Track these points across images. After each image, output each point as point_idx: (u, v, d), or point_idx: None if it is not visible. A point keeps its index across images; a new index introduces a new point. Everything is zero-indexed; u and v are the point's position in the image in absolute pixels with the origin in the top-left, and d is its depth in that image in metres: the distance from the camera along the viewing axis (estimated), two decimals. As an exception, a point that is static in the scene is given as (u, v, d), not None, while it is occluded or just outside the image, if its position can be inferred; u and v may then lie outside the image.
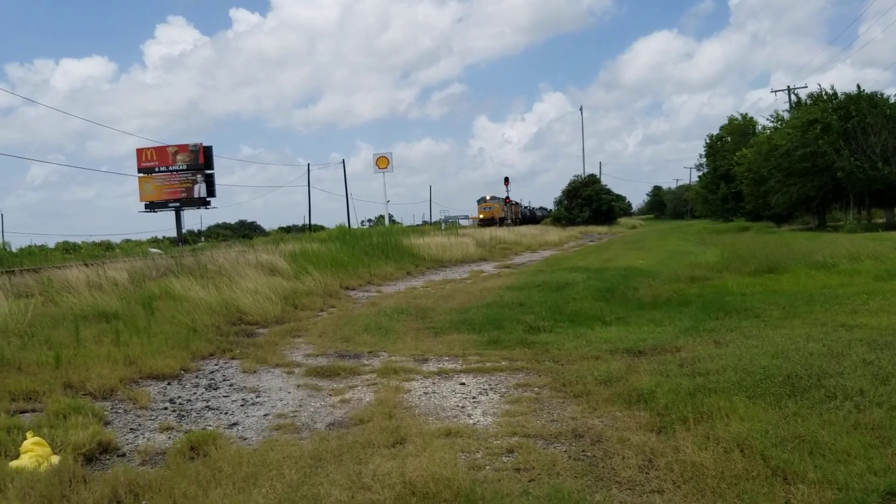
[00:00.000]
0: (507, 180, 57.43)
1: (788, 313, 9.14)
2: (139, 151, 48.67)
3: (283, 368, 7.99)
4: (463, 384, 6.86)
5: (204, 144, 48.34)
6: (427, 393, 6.58)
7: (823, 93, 38.53)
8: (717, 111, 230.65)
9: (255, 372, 7.86)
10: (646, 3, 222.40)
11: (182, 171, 48.08)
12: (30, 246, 30.45)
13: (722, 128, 60.35)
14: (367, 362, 8.12)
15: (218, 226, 74.30)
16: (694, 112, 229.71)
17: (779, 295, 10.88)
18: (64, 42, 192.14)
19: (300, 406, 6.37)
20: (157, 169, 48.12)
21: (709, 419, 4.87)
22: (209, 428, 5.73)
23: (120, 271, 13.64)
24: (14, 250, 23.70)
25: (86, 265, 14.01)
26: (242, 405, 6.51)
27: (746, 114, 58.53)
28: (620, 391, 5.89)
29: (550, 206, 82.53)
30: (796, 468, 3.93)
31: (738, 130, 56.30)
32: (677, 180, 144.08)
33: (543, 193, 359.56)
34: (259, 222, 79.42)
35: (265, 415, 6.14)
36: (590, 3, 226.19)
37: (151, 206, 48.62)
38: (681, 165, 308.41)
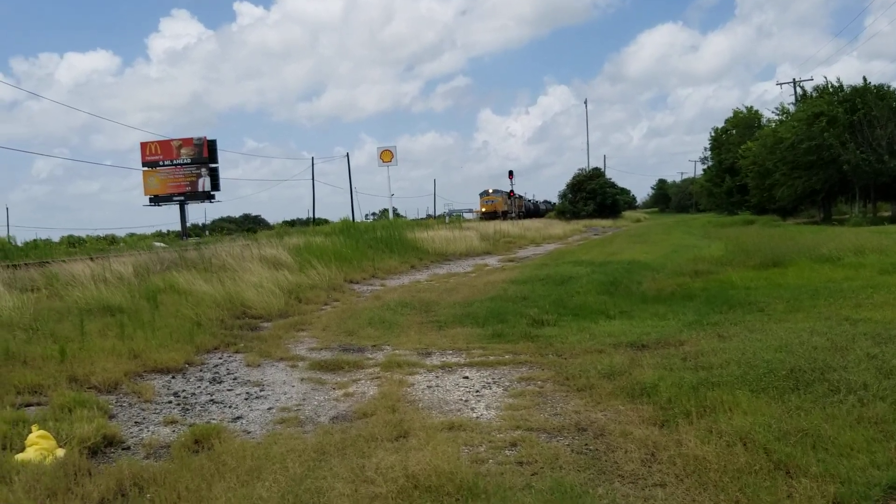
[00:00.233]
0: (511, 174, 57.50)
1: (792, 307, 9.11)
2: (143, 145, 48.77)
3: (286, 362, 8.00)
4: (466, 378, 6.87)
5: (208, 138, 48.53)
6: (430, 387, 6.59)
7: (829, 85, 38.34)
8: (723, 104, 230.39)
9: (259, 365, 7.88)
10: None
11: (186, 165, 48.19)
12: (35, 240, 30.52)
13: (727, 121, 60.19)
14: (370, 356, 8.13)
15: (222, 219, 74.36)
16: (699, 105, 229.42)
17: (783, 289, 10.85)
18: (68, 36, 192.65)
19: (304, 400, 6.38)
20: (161, 163, 48.24)
21: (712, 413, 4.87)
22: (213, 421, 5.75)
23: (125, 265, 13.67)
24: (19, 244, 23.78)
25: (90, 259, 14.08)
26: (246, 399, 6.53)
27: (752, 107, 58.53)
28: (623, 385, 5.90)
29: (555, 199, 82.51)
30: (799, 462, 3.93)
31: (744, 123, 56.09)
32: (682, 173, 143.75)
33: (548, 187, 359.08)
34: (263, 216, 79.68)
35: (269, 408, 6.16)
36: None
37: (156, 200, 48.75)
38: (685, 159, 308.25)
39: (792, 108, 43.30)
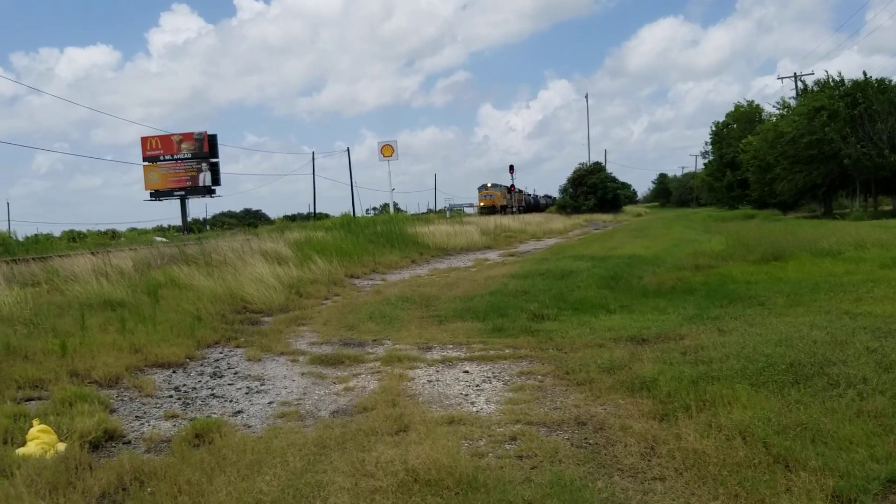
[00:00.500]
0: (511, 168, 57.57)
1: (793, 301, 9.12)
2: (144, 140, 48.72)
3: (287, 356, 8.01)
4: (466, 372, 6.88)
5: (208, 133, 48.39)
6: (431, 381, 6.60)
7: (830, 79, 38.26)
8: (723, 98, 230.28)
9: (259, 360, 7.89)
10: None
11: (187, 160, 48.14)
12: (36, 234, 30.52)
13: (728, 115, 60.07)
14: (371, 350, 8.14)
15: (223, 214, 74.30)
16: (700, 99, 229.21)
17: (783, 283, 10.85)
18: (68, 31, 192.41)
19: (304, 394, 6.40)
20: (161, 157, 48.19)
21: (711, 407, 4.88)
22: (214, 416, 5.77)
23: (125, 260, 13.68)
24: (20, 239, 23.77)
25: (91, 254, 14.07)
26: (247, 393, 6.54)
27: (752, 101, 58.16)
28: (623, 379, 5.90)
29: (555, 193, 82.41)
30: (798, 456, 3.94)
31: (744, 117, 55.97)
32: (683, 168, 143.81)
33: (548, 181, 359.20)
34: (264, 210, 79.45)
35: (269, 402, 6.17)
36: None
37: (156, 195, 48.71)
38: (686, 153, 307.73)
39: (793, 103, 43.20)
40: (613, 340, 7.54)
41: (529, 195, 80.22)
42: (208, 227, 48.41)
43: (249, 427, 5.48)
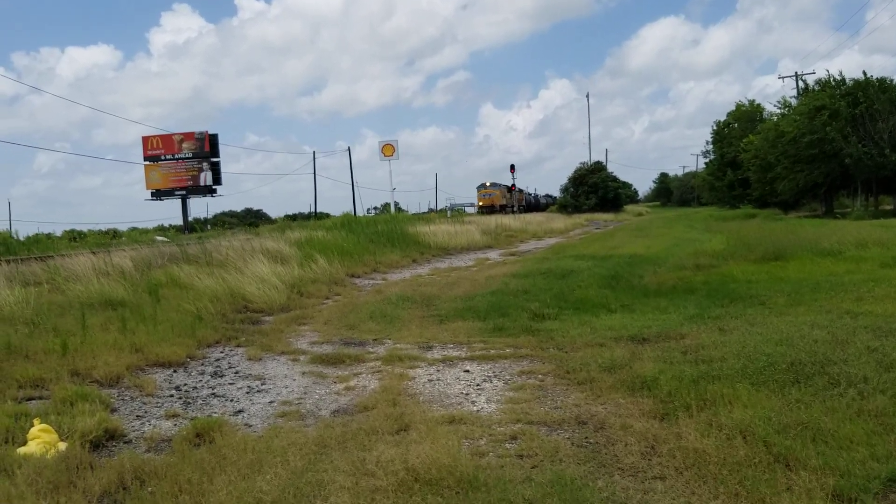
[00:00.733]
0: (512, 167, 57.21)
1: (794, 300, 9.11)
2: (145, 139, 48.78)
3: (288, 356, 8.02)
4: (467, 371, 6.88)
5: (209, 132, 48.44)
6: (431, 380, 6.60)
7: (831, 79, 38.25)
8: (724, 98, 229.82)
9: (260, 359, 7.90)
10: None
11: (188, 159, 48.20)
12: (37, 234, 30.49)
13: (729, 114, 60.04)
14: (371, 350, 8.15)
15: (224, 214, 74.29)
16: (700, 99, 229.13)
17: (784, 282, 10.85)
18: (69, 30, 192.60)
19: (305, 393, 6.40)
20: (162, 157, 48.26)
21: (712, 406, 4.88)
22: (215, 415, 5.77)
23: (126, 259, 13.68)
24: (21, 238, 23.75)
25: (92, 253, 14.07)
26: (248, 392, 6.55)
27: (754, 100, 58.20)
28: (624, 378, 5.90)
29: (556, 193, 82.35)
30: (798, 455, 3.94)
31: (746, 117, 55.96)
32: (684, 167, 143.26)
33: (549, 181, 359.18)
34: (265, 210, 79.47)
35: (270, 402, 6.18)
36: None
37: (157, 194, 48.78)
38: (687, 152, 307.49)
39: (794, 102, 43.19)
40: (614, 340, 7.53)
41: (530, 194, 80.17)
42: (209, 227, 48.36)
43: (250, 426, 5.48)
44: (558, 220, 48.45)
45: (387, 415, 5.30)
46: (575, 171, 71.32)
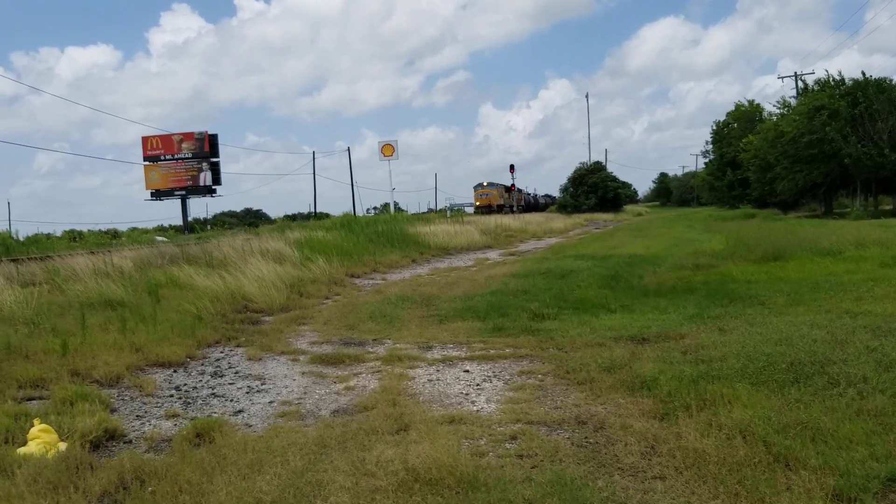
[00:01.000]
0: (512, 168, 57.30)
1: (793, 300, 9.12)
2: (145, 140, 48.76)
3: (288, 356, 8.02)
4: (467, 371, 6.88)
5: (209, 132, 48.41)
6: (431, 380, 6.60)
7: (831, 79, 38.28)
8: (724, 98, 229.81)
9: (260, 359, 7.90)
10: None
11: (188, 159, 48.17)
12: (36, 234, 30.47)
13: (728, 114, 60.07)
14: (371, 350, 8.15)
15: (224, 214, 74.26)
16: (700, 99, 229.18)
17: (784, 282, 10.85)
18: (69, 30, 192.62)
19: (305, 393, 6.40)
20: (162, 157, 48.23)
21: (711, 406, 4.88)
22: (215, 415, 5.77)
23: (125, 259, 13.68)
24: (21, 239, 23.74)
25: (92, 253, 14.07)
26: (248, 392, 6.55)
27: (753, 100, 58.19)
28: (624, 378, 5.91)
29: (556, 193, 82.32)
30: (798, 455, 3.94)
31: (745, 117, 55.99)
32: (683, 167, 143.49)
33: (549, 181, 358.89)
34: (265, 210, 79.43)
35: (270, 402, 6.18)
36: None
37: (157, 195, 48.75)
38: (687, 152, 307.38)
39: (793, 102, 43.21)
40: (614, 340, 7.54)
41: (529, 194, 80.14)
42: (209, 227, 48.36)
43: (250, 426, 5.48)
44: (558, 220, 48.44)
45: (387, 415, 5.30)
46: (574, 171, 71.36)
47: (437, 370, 6.99)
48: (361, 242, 20.82)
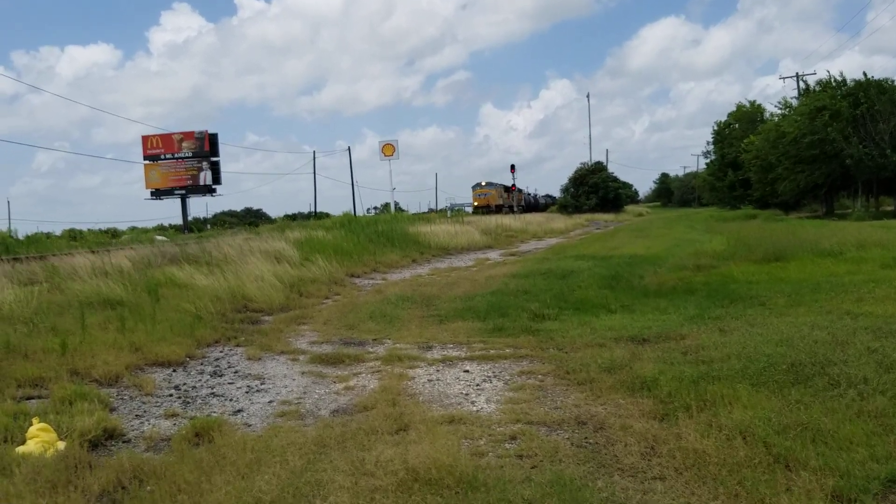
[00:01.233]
0: (513, 168, 57.05)
1: (794, 301, 9.11)
2: (145, 139, 48.73)
3: (287, 356, 8.01)
4: (467, 371, 6.87)
5: (209, 131, 48.39)
6: (431, 380, 6.59)
7: (832, 79, 38.26)
8: (725, 98, 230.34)
9: (259, 359, 7.89)
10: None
11: (188, 159, 48.14)
12: (36, 233, 30.51)
13: (730, 115, 60.05)
14: (371, 350, 8.14)
15: (224, 213, 74.33)
16: (701, 99, 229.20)
17: (785, 283, 10.84)
18: (69, 29, 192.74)
19: (304, 393, 6.39)
20: (162, 156, 48.20)
21: (712, 407, 4.87)
22: (214, 414, 5.76)
23: (125, 259, 13.68)
24: (20, 237, 23.77)
25: (91, 252, 14.07)
26: (247, 392, 6.54)
27: (755, 101, 58.25)
28: (624, 379, 5.89)
29: (556, 193, 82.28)
30: (798, 455, 3.93)
31: (746, 117, 55.96)
32: (684, 168, 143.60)
33: (549, 181, 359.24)
34: (265, 210, 79.44)
35: (270, 401, 6.17)
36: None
37: (157, 194, 48.71)
38: (688, 153, 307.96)
39: (795, 103, 43.19)
40: (614, 340, 7.53)
41: (530, 195, 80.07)
42: (209, 226, 48.47)
43: (249, 426, 5.47)
44: (558, 221, 48.43)
45: (386, 415, 5.29)
46: (575, 172, 71.30)
47: (437, 370, 6.99)
48: (362, 242, 20.81)
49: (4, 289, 9.95)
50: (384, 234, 23.28)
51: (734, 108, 59.59)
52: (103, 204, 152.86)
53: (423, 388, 6.32)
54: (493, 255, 23.97)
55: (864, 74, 36.36)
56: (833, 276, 11.21)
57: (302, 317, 10.71)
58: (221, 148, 50.63)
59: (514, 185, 56.21)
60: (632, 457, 4.25)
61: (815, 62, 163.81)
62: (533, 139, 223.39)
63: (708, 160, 68.51)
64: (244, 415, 5.81)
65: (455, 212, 54.59)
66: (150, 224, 51.54)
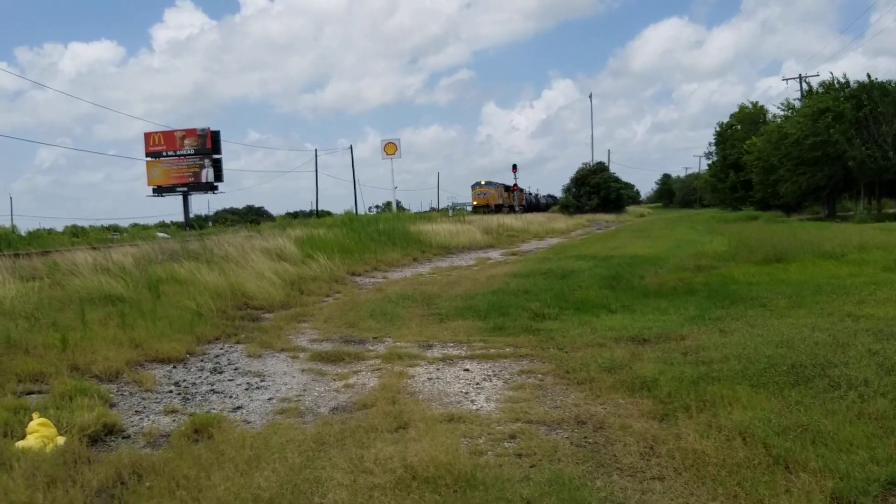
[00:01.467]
0: (515, 167, 56.99)
1: (795, 303, 9.10)
2: (147, 136, 48.80)
3: (287, 353, 8.01)
4: (467, 370, 6.87)
5: (211, 129, 48.42)
6: (431, 379, 6.59)
7: (835, 81, 38.19)
8: (727, 99, 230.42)
9: (260, 356, 7.89)
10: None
11: (190, 156, 48.24)
12: (38, 229, 30.54)
13: (732, 116, 60.03)
14: (371, 348, 8.14)
15: (225, 210, 74.38)
16: (703, 100, 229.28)
17: (786, 284, 10.83)
18: (72, 26, 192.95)
19: (304, 390, 6.39)
20: (164, 153, 48.28)
21: (711, 407, 4.87)
22: (213, 411, 5.76)
23: (126, 255, 13.68)
24: (22, 233, 23.79)
25: (93, 248, 14.07)
26: (247, 389, 6.54)
27: (757, 102, 58.19)
28: (624, 379, 5.89)
29: (558, 193, 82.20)
30: (798, 457, 3.92)
31: (749, 118, 55.94)
32: (686, 168, 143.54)
33: (551, 181, 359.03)
34: (266, 207, 79.56)
35: (269, 399, 6.17)
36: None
37: (159, 191, 48.82)
38: (690, 154, 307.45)
39: (797, 104, 43.15)
40: (614, 340, 7.52)
41: (531, 194, 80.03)
42: (210, 224, 48.44)
43: (249, 423, 5.47)
44: (560, 221, 48.41)
45: (386, 413, 5.29)
46: (577, 172, 71.15)
47: (437, 369, 6.98)
48: (363, 240, 20.81)
49: (6, 284, 9.96)
50: (385, 232, 23.26)
51: (736, 110, 59.61)
52: (105, 200, 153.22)
53: (422, 386, 6.32)
54: (495, 254, 23.96)
55: (868, 76, 36.31)
56: (834, 278, 11.20)
57: (302, 314, 10.71)
58: (223, 145, 50.82)
59: (515, 185, 56.16)
60: (631, 457, 4.25)
61: (818, 64, 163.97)
62: (535, 139, 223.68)
63: (710, 161, 68.46)
64: (244, 412, 5.81)
65: (457, 211, 54.54)
66: (152, 221, 51.57)
